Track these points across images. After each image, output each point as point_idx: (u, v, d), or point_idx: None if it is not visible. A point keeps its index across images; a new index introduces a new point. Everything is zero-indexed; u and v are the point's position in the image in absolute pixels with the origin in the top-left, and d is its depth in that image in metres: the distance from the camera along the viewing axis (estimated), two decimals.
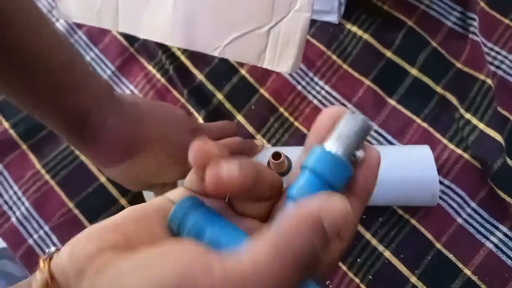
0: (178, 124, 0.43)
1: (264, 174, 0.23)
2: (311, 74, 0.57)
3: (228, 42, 0.45)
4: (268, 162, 0.46)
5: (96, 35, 0.63)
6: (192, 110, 0.57)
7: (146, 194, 0.50)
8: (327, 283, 0.47)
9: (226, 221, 0.23)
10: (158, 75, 0.59)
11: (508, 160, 0.50)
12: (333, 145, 0.23)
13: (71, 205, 0.53)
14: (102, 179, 0.54)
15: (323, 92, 0.56)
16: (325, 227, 0.18)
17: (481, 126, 0.51)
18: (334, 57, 0.57)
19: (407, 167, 0.47)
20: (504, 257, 0.47)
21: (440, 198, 0.50)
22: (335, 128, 0.23)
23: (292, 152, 0.47)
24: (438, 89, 0.54)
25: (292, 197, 0.23)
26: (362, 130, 0.23)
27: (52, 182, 0.55)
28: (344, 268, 0.48)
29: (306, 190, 0.23)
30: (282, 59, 0.44)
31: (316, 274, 0.23)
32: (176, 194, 0.25)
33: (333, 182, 0.22)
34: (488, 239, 0.48)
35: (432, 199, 0.47)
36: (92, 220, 0.52)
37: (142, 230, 0.22)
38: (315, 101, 0.56)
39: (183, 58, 0.59)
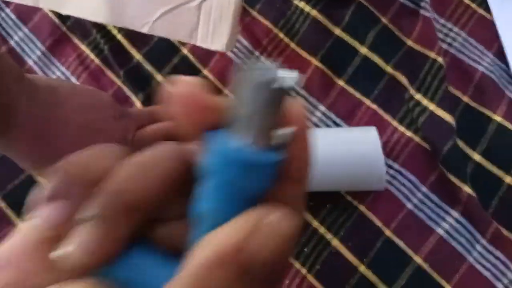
0: (101, 111, 0.39)
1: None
2: (257, 53, 0.53)
3: (157, 17, 0.40)
4: None
5: (25, 13, 0.57)
6: (129, 93, 0.52)
7: None
8: None
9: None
10: (92, 56, 0.54)
11: (459, 142, 0.48)
12: (239, 135, 0.15)
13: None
14: None
15: None
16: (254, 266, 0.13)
17: (432, 107, 0.48)
18: (281, 35, 0.53)
19: (353, 150, 0.44)
20: (454, 243, 0.45)
21: (390, 183, 0.47)
22: (233, 104, 0.15)
23: None
24: (388, 69, 0.51)
25: (199, 217, 0.15)
26: (276, 95, 0.14)
27: None
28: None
29: (215, 206, 0.15)
30: (216, 36, 0.40)
31: None
32: None
33: (251, 187, 0.15)
34: (439, 225, 0.45)
35: (379, 182, 0.44)
36: (20, 213, 0.48)
37: None
38: None
39: (119, 36, 0.54)
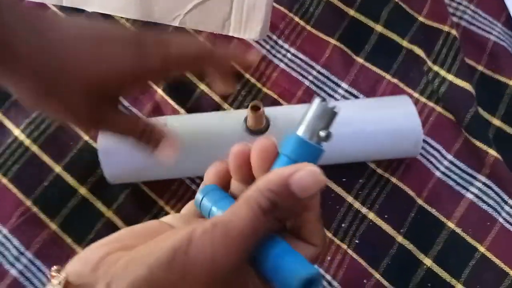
0: (109, 40, 0.34)
1: None
2: (274, 37, 0.52)
3: (189, 10, 0.39)
4: (246, 118, 0.42)
5: None
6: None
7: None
8: None
9: (231, 200, 0.26)
10: None
11: (480, 110, 0.48)
12: (301, 131, 0.25)
13: (28, 203, 0.45)
14: (57, 169, 0.47)
15: (289, 55, 0.51)
16: (292, 187, 0.22)
17: (450, 77, 0.49)
18: (296, 19, 0.53)
19: (389, 114, 0.43)
20: (485, 206, 0.45)
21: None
22: (304, 117, 0.25)
23: (270, 111, 0.43)
24: (405, 43, 0.51)
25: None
26: (326, 114, 0.25)
27: (4, 180, 0.46)
28: (329, 235, 0.44)
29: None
30: (249, 25, 0.39)
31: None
32: (170, 218, 0.28)
33: (301, 161, 0.24)
34: (468, 190, 0.46)
35: (415, 147, 0.44)
36: (52, 216, 0.45)
37: (141, 242, 0.23)
38: (282, 65, 0.51)
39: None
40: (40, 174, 0.46)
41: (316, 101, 0.25)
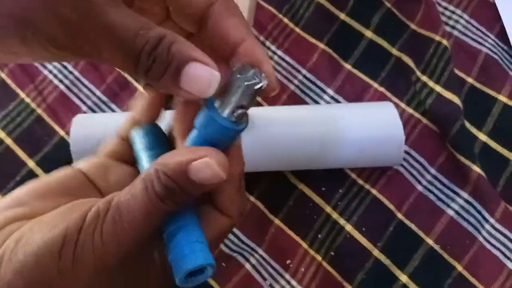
0: None
1: None
2: (262, 38, 0.50)
3: None
4: None
5: None
6: (130, 78, 0.49)
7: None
8: (287, 262, 0.43)
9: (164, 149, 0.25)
10: None
11: (466, 123, 0.47)
12: (218, 105, 0.22)
13: None
14: (30, 164, 0.45)
15: (275, 58, 0.49)
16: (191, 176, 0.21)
17: (438, 88, 0.47)
18: (285, 20, 0.51)
19: (372, 124, 0.42)
20: (465, 224, 0.44)
21: (401, 165, 0.46)
22: (227, 87, 0.22)
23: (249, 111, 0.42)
24: (394, 51, 0.50)
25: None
26: (248, 89, 0.22)
27: None
28: (304, 245, 0.43)
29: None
30: None
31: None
32: (86, 163, 0.27)
33: (211, 139, 0.23)
34: (448, 206, 0.44)
35: (397, 155, 0.43)
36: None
37: (48, 205, 0.23)
38: None
39: None
40: (13, 169, 0.45)
41: (235, 73, 0.22)
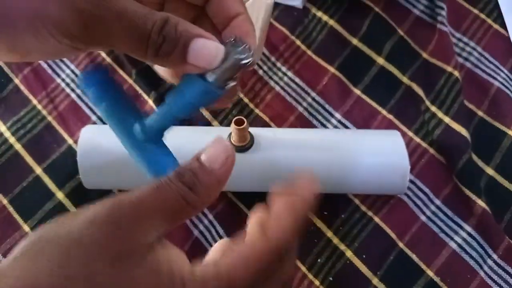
0: None
1: None
2: (273, 59, 0.51)
3: None
4: (230, 134, 0.41)
5: None
6: (141, 91, 0.50)
7: None
8: None
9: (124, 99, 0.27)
10: (103, 54, 0.52)
11: (474, 156, 0.46)
12: (211, 77, 0.24)
13: (4, 201, 0.45)
14: (38, 170, 0.46)
15: (285, 79, 0.50)
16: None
17: (447, 120, 0.47)
18: (298, 42, 0.51)
19: (377, 151, 0.42)
20: (467, 258, 0.43)
21: (405, 194, 0.46)
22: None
23: (257, 131, 0.42)
24: (405, 80, 0.50)
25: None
26: (234, 65, 0.23)
27: None
28: (303, 269, 0.43)
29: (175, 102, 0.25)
30: None
31: None
32: None
33: (192, 99, 0.24)
34: (452, 238, 0.44)
35: (401, 183, 0.42)
36: (27, 218, 0.44)
37: None
38: (277, 88, 0.49)
39: None
40: (20, 174, 0.46)
41: (228, 45, 0.23)
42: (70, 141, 0.47)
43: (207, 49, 0.21)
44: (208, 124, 0.48)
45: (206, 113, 0.48)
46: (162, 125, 0.26)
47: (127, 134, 0.26)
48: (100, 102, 0.26)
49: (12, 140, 0.47)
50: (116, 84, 0.27)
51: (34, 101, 0.49)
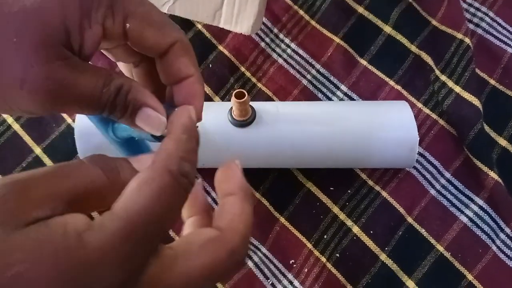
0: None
1: None
2: (275, 30, 0.48)
3: None
4: (231, 108, 0.39)
5: None
6: None
7: None
8: (290, 262, 0.41)
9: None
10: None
11: (486, 127, 0.44)
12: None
13: None
14: (37, 150, 0.44)
15: (288, 51, 0.47)
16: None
17: (457, 89, 0.44)
18: (301, 12, 0.48)
19: (385, 123, 0.40)
20: (478, 232, 0.41)
21: (413, 167, 0.43)
22: None
23: (259, 105, 0.40)
24: (413, 48, 0.47)
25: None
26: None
27: None
28: (309, 245, 0.41)
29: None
30: (240, 18, 0.36)
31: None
32: None
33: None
34: (462, 212, 0.42)
35: (409, 156, 0.40)
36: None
37: None
38: (280, 60, 0.47)
39: None
40: (20, 154, 0.44)
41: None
42: (68, 120, 0.45)
43: (152, 119, 0.23)
44: (210, 100, 0.46)
45: (207, 89, 0.46)
46: (127, 135, 0.26)
47: (105, 132, 0.26)
48: None
49: (10, 120, 0.45)
50: None
51: None
